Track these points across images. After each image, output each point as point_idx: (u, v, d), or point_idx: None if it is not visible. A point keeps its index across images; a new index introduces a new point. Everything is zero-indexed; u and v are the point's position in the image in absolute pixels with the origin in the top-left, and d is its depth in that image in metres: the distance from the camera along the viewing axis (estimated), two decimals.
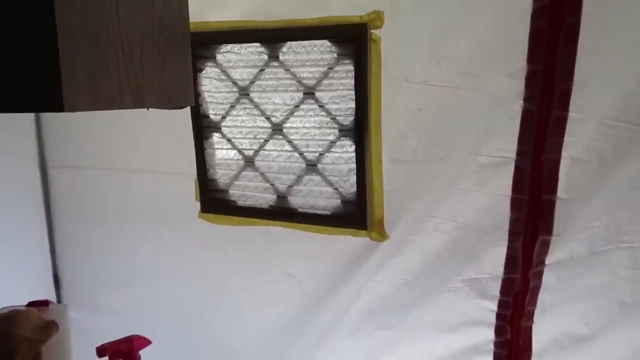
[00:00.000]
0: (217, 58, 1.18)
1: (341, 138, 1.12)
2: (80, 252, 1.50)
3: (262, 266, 1.27)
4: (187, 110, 1.22)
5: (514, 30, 0.93)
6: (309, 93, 1.12)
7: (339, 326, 1.24)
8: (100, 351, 0.88)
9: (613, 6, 0.89)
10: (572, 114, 0.94)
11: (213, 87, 1.20)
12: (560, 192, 0.98)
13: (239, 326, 1.32)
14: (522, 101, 0.96)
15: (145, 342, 0.94)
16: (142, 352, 1.00)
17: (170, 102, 0.87)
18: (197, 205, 1.29)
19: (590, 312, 1.06)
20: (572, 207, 0.99)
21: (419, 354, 1.20)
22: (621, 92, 0.91)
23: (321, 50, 1.09)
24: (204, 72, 1.20)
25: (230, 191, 1.26)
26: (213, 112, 1.23)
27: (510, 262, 1.06)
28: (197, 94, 1.20)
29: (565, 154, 0.96)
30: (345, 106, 1.10)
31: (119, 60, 0.66)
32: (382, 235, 1.13)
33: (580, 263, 1.03)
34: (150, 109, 0.84)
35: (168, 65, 0.80)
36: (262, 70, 1.15)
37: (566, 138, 0.96)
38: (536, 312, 1.08)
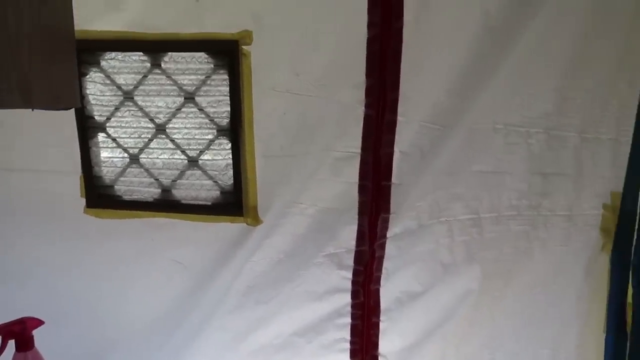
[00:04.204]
0: (101, 64, 1.28)
1: (219, 137, 1.28)
2: None
3: (148, 255, 1.37)
4: (72, 112, 1.29)
5: (356, 51, 1.17)
6: (189, 98, 1.27)
7: (222, 304, 1.39)
8: None
9: (428, 37, 1.17)
10: (399, 118, 1.20)
11: (98, 91, 1.29)
12: (394, 179, 1.24)
13: (127, 311, 1.41)
14: (363, 107, 1.21)
15: (37, 322, 1.02)
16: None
17: (56, 103, 0.95)
18: (83, 202, 1.36)
19: (421, 273, 1.33)
20: (403, 191, 1.25)
21: (293, 321, 1.39)
22: (432, 101, 1.19)
23: (199, 61, 1.24)
24: (88, 76, 1.28)
25: (116, 187, 1.36)
26: (98, 114, 1.31)
27: (360, 237, 1.30)
28: (82, 97, 1.28)
29: (396, 148, 1.22)
30: (221, 110, 1.26)
31: (7, 62, 0.73)
32: (256, 221, 1.31)
33: (412, 235, 1.30)
34: (35, 110, 0.92)
35: (54, 68, 0.89)
36: (145, 76, 1.27)
37: (396, 136, 1.21)
38: (382, 276, 1.33)
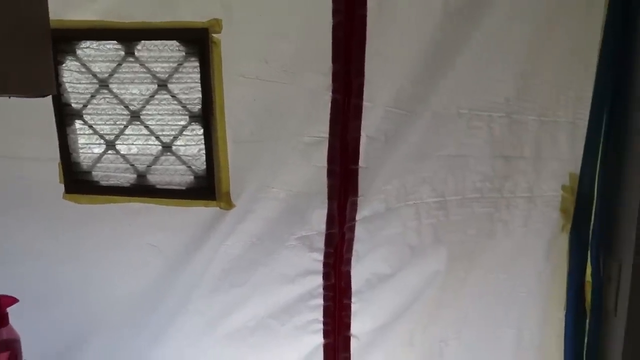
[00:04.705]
0: (77, 52, 1.32)
1: (191, 123, 1.32)
2: None
3: (126, 239, 1.41)
4: (49, 99, 1.33)
5: (322, 38, 1.20)
6: (162, 85, 1.31)
7: (198, 288, 1.42)
8: None
9: (391, 23, 1.21)
10: (366, 103, 1.24)
11: (74, 79, 1.33)
12: (361, 163, 1.27)
13: (106, 295, 1.45)
14: (330, 93, 1.24)
15: (11, 300, 1.06)
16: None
17: (32, 91, 0.99)
18: (62, 187, 1.40)
19: (390, 255, 1.36)
20: (371, 174, 1.28)
21: (267, 304, 1.42)
22: (396, 87, 1.22)
23: (171, 49, 1.28)
24: (64, 65, 1.32)
25: (93, 172, 1.39)
26: (74, 101, 1.35)
27: (330, 220, 1.33)
28: (59, 85, 1.32)
29: (363, 133, 1.25)
30: (193, 96, 1.30)
31: None
32: (229, 205, 1.35)
33: (380, 218, 1.33)
34: (12, 97, 0.95)
35: (29, 57, 0.92)
36: (119, 64, 1.30)
37: (363, 121, 1.24)
38: (352, 259, 1.36)
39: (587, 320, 1.23)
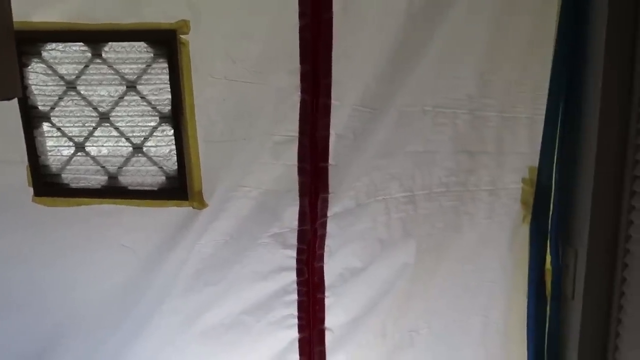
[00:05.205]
0: (42, 55, 1.30)
1: (161, 124, 1.33)
2: None
3: (98, 241, 1.41)
4: (15, 102, 1.31)
5: (289, 39, 1.22)
6: (131, 86, 1.31)
7: (173, 288, 1.43)
8: None
9: (356, 25, 1.24)
10: (333, 102, 1.26)
11: (40, 81, 1.32)
12: (331, 160, 1.30)
13: (79, 298, 1.44)
14: (299, 93, 1.26)
15: None
16: None
17: None
18: (31, 191, 1.39)
19: (362, 250, 1.40)
20: (340, 171, 1.31)
21: (242, 301, 1.45)
22: (363, 86, 1.25)
23: (139, 50, 1.28)
24: (30, 67, 1.31)
25: (63, 175, 1.38)
26: (42, 104, 1.34)
27: (302, 217, 1.36)
28: (25, 87, 1.30)
29: (332, 131, 1.28)
30: (163, 97, 1.30)
31: None
32: (202, 204, 1.36)
33: (351, 213, 1.36)
34: None
35: None
36: (87, 66, 1.30)
37: (332, 120, 1.28)
38: (325, 254, 1.39)
39: (548, 306, 1.29)
